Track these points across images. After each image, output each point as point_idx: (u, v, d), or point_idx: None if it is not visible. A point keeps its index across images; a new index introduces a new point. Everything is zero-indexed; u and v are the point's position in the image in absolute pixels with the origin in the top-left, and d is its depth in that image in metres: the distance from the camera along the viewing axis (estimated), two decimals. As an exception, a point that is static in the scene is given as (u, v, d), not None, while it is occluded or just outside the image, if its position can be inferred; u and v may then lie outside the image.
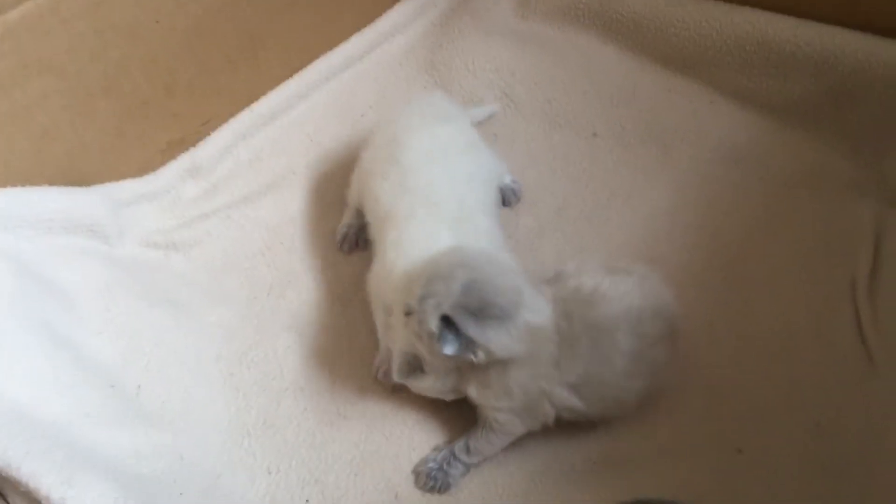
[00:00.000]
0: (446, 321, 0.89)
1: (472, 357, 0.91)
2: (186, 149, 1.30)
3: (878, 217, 1.21)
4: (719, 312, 1.15)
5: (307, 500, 0.99)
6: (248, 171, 1.33)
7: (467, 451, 1.00)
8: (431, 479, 0.99)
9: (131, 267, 1.16)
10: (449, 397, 1.01)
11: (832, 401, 1.05)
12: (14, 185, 1.07)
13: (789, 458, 1.00)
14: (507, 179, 1.27)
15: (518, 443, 1.03)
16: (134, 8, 1.12)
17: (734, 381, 1.08)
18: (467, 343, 0.90)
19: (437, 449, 1.03)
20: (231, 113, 1.34)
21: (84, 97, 1.12)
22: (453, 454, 1.00)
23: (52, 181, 1.12)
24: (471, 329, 0.89)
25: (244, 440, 1.04)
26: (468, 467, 1.01)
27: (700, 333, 1.13)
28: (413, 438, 1.05)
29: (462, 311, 0.89)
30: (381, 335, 1.08)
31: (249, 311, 1.17)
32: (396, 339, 0.99)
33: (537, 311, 0.94)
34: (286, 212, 1.29)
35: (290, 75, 1.41)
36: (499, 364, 0.93)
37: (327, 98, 1.43)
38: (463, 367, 0.96)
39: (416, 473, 1.01)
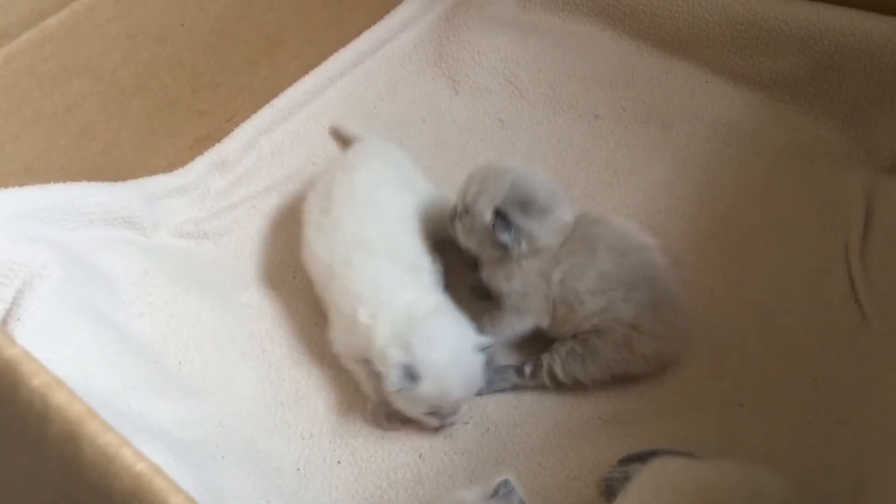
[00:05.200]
0: (498, 214, 1.04)
1: (518, 246, 1.05)
2: (212, 144, 1.35)
3: (869, 185, 1.25)
4: (719, 278, 1.19)
5: (339, 462, 1.04)
6: (271, 164, 1.37)
7: (491, 323, 1.09)
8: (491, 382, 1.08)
9: (167, 255, 1.21)
10: (434, 423, 1.05)
11: (827, 357, 1.09)
12: (56, 180, 1.13)
13: (788, 410, 1.05)
14: None
15: (530, 406, 1.09)
16: (161, 13, 1.17)
17: (735, 342, 1.12)
18: (516, 233, 1.04)
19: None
20: (253, 109, 1.39)
21: (118, 97, 1.17)
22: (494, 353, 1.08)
23: (90, 176, 1.17)
24: (519, 219, 1.04)
25: (278, 409, 1.09)
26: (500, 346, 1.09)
27: (702, 298, 1.17)
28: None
29: (512, 204, 1.04)
30: (364, 387, 1.09)
31: (277, 292, 1.22)
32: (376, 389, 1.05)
33: (568, 210, 1.07)
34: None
35: (307, 72, 1.45)
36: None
37: (342, 93, 1.47)
38: (489, 259, 1.10)
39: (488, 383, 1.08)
